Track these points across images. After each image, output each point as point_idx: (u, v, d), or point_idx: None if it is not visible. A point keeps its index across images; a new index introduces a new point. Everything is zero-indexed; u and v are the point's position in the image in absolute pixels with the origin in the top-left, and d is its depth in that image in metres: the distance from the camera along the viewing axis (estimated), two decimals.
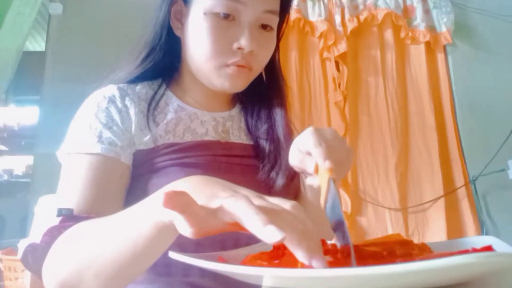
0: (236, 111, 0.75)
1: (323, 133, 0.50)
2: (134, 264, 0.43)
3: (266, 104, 0.73)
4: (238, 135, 0.72)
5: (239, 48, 0.60)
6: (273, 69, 0.73)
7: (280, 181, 0.67)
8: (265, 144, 0.70)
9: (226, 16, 0.60)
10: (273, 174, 0.67)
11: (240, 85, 0.65)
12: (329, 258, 0.33)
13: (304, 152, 0.49)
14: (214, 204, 0.35)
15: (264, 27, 0.63)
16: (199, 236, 0.33)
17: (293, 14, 2.15)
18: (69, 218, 0.51)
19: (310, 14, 2.18)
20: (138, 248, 0.41)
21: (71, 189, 0.56)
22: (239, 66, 0.61)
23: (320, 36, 2.15)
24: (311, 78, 2.17)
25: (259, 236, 0.31)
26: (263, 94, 0.73)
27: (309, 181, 0.52)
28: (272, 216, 0.32)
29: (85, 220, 0.49)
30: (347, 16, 2.18)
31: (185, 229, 0.33)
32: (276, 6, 0.64)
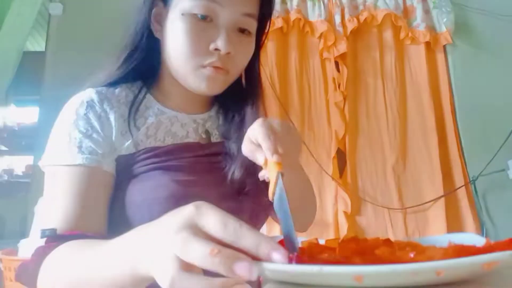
0: (214, 111, 0.75)
1: (272, 125, 0.51)
2: None
3: (240, 108, 0.72)
4: (217, 135, 0.72)
5: (215, 49, 0.61)
6: (251, 77, 0.73)
7: (247, 181, 0.65)
8: (232, 145, 0.69)
9: (204, 18, 0.60)
10: (237, 174, 0.65)
11: (217, 88, 0.65)
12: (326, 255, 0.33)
13: (256, 144, 0.50)
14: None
15: (242, 30, 0.64)
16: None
17: (293, 14, 2.15)
18: (53, 238, 0.52)
19: (310, 15, 2.18)
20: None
21: (55, 205, 0.56)
22: (215, 67, 0.62)
23: (320, 37, 2.15)
24: (311, 78, 2.17)
25: None
26: (240, 98, 0.73)
27: (261, 174, 0.53)
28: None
29: (69, 238, 0.50)
30: (347, 16, 2.18)
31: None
32: (254, 10, 0.64)
